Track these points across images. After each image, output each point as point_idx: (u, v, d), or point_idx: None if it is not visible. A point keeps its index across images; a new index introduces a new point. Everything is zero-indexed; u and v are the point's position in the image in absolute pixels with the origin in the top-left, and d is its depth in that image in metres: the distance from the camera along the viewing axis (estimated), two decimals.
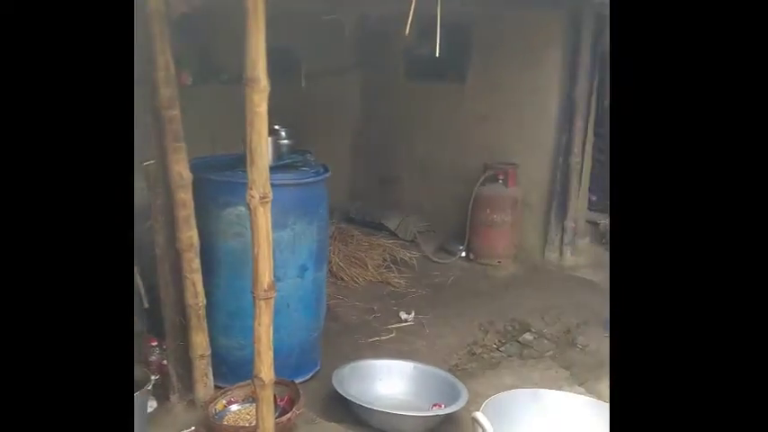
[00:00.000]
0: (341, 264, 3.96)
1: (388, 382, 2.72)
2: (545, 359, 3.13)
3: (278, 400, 2.31)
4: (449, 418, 2.50)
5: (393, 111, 4.73)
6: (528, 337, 3.33)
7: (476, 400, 2.33)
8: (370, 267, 4.00)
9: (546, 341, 3.29)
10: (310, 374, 2.80)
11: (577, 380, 2.93)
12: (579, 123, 4.02)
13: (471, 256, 4.28)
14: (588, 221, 4.36)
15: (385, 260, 4.11)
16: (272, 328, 1.85)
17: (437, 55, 1.76)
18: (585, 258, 4.19)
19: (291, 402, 2.37)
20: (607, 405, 2.43)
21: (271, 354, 1.86)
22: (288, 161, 2.70)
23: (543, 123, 4.15)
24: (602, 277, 3.94)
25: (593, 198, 4.41)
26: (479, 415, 2.03)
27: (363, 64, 4.81)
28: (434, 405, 2.56)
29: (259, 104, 1.65)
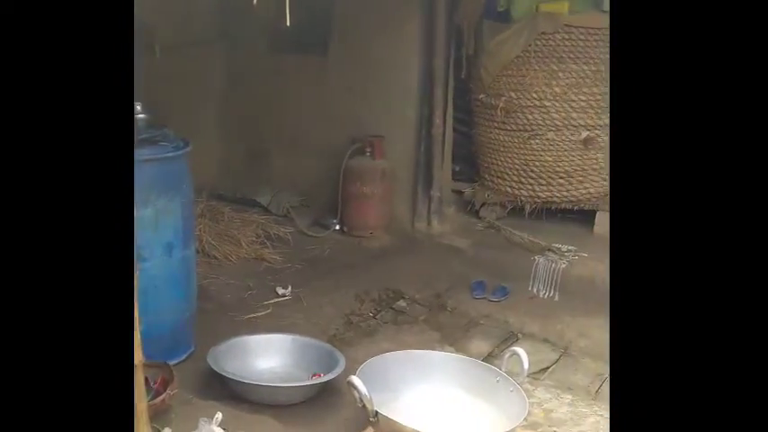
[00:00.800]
0: (212, 242, 3.86)
1: (267, 356, 2.71)
2: (418, 323, 3.27)
3: (150, 382, 2.25)
4: (328, 386, 2.55)
5: (259, 84, 4.62)
6: (401, 303, 3.46)
7: (353, 367, 2.39)
8: (243, 244, 3.93)
9: (418, 306, 3.44)
10: (185, 356, 2.74)
11: (448, 340, 3.10)
12: (439, 95, 4.15)
13: (345, 229, 4.33)
14: (453, 191, 4.55)
15: (259, 236, 4.06)
16: (137, 308, 1.79)
17: (288, 24, 1.76)
18: (451, 226, 4.36)
19: (165, 384, 2.31)
20: (473, 360, 2.61)
21: (138, 335, 1.80)
22: (144, 136, 2.57)
23: (405, 95, 4.23)
24: (467, 243, 4.14)
25: (457, 168, 4.59)
26: (354, 378, 2.10)
27: (225, 36, 4.65)
28: (314, 375, 2.60)
29: None
